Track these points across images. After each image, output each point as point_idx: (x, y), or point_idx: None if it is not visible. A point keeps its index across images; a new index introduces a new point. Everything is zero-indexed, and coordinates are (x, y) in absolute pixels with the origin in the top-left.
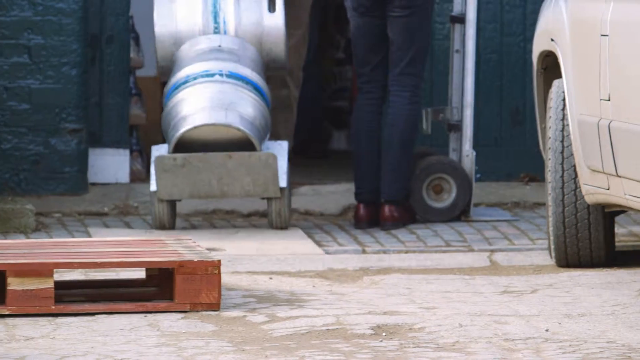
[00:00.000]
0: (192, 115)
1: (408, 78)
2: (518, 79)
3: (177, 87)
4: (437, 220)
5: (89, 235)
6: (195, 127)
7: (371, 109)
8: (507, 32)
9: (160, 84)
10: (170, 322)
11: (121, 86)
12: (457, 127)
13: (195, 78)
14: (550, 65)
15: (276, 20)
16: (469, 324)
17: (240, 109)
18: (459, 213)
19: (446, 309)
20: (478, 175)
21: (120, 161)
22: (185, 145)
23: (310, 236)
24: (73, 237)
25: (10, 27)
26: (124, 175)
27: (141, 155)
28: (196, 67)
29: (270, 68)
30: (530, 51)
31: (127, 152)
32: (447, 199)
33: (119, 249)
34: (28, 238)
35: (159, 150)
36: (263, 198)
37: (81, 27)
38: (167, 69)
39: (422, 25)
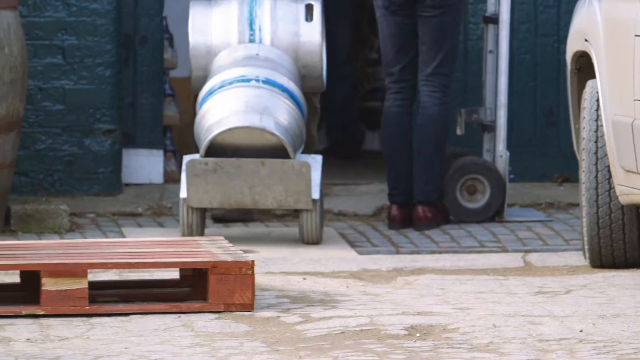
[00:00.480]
0: (226, 119)
1: (439, 78)
2: (552, 79)
3: (212, 92)
4: (471, 221)
5: (123, 236)
6: (229, 130)
7: (401, 110)
8: (541, 32)
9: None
10: (204, 322)
11: (155, 87)
12: (491, 128)
13: (231, 83)
14: (584, 66)
15: (313, 31)
16: (503, 324)
17: (275, 114)
18: (493, 214)
19: (480, 309)
20: (512, 176)
21: (154, 162)
22: (217, 152)
23: (343, 237)
24: (107, 237)
25: (44, 28)
26: (157, 176)
27: (175, 155)
28: (232, 72)
29: (305, 81)
30: (564, 52)
31: (161, 152)
32: (481, 199)
33: (153, 249)
34: (62, 238)
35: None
36: (294, 210)
37: (115, 28)
38: (201, 79)
39: (454, 25)
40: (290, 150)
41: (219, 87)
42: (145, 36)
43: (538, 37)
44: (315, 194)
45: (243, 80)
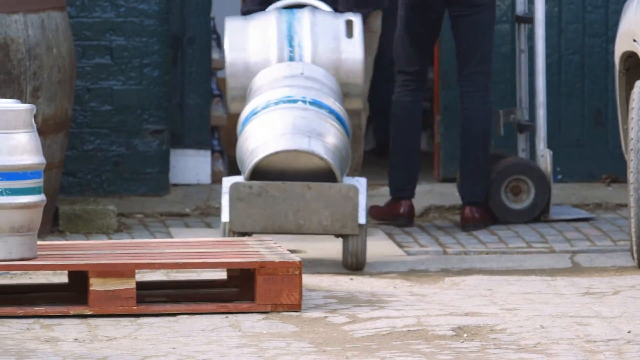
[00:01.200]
0: (272, 141)
1: (479, 77)
2: (600, 79)
3: (256, 113)
4: (518, 221)
5: (171, 236)
6: (276, 153)
7: (415, 106)
8: (589, 32)
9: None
10: (252, 322)
11: (202, 87)
12: (527, 128)
13: (276, 103)
14: (633, 66)
15: (354, 47)
16: (551, 325)
17: (323, 137)
18: (539, 213)
19: (527, 310)
20: (559, 177)
21: (202, 162)
22: (261, 175)
23: (391, 237)
24: (154, 237)
25: (92, 29)
26: (205, 176)
27: (222, 156)
28: (277, 92)
29: (346, 101)
30: (612, 52)
31: (209, 153)
32: (526, 200)
33: (200, 249)
34: (110, 239)
35: (232, 181)
36: (338, 236)
37: (163, 28)
38: (239, 99)
39: (490, 22)
40: (338, 174)
41: (263, 108)
42: (193, 37)
43: (586, 37)
44: (362, 219)
45: (289, 101)
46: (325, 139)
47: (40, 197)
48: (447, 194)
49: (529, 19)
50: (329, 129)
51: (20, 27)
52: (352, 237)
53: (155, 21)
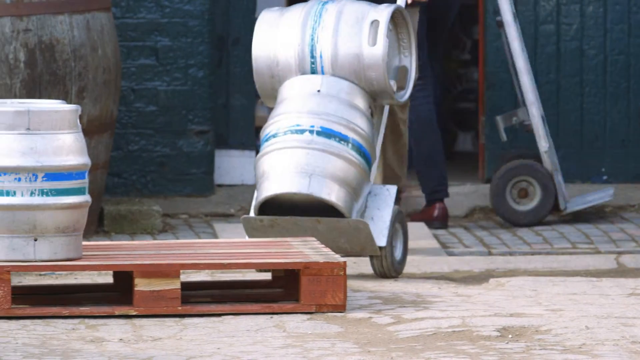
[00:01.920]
0: (275, 180)
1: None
2: None
3: (268, 139)
4: (525, 223)
5: (215, 237)
6: (276, 194)
7: (430, 107)
8: (635, 33)
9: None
10: (296, 323)
11: (247, 88)
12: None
13: (285, 133)
14: None
15: (376, 53)
16: (596, 326)
17: (328, 172)
18: (549, 211)
19: (573, 311)
20: (604, 177)
21: (246, 162)
22: (273, 205)
23: (435, 238)
24: (199, 238)
25: (137, 29)
26: (249, 177)
27: None
28: (289, 119)
29: (378, 98)
30: None
31: (253, 153)
32: (534, 200)
33: (245, 250)
34: (155, 239)
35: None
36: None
37: (208, 29)
38: (265, 94)
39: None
40: (344, 210)
41: (273, 136)
42: (237, 37)
43: (631, 37)
44: (382, 241)
45: (297, 132)
46: (330, 174)
47: (85, 198)
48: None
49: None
50: (335, 163)
51: (66, 28)
52: (376, 257)
53: (200, 22)
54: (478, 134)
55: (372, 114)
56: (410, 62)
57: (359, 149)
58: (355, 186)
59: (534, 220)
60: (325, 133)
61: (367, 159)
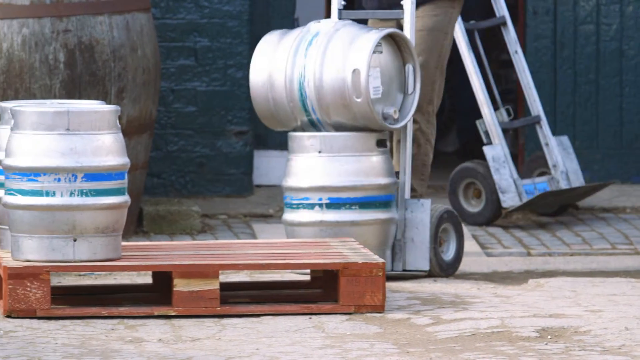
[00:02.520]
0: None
1: None
2: None
3: (286, 205)
4: (475, 223)
5: (254, 237)
6: None
7: None
8: None
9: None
10: (335, 323)
11: None
12: (536, 120)
13: (297, 207)
14: None
15: (362, 104)
16: (635, 327)
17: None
18: (492, 213)
19: (612, 312)
20: (638, 177)
21: (285, 163)
22: None
23: (475, 238)
24: (238, 238)
25: (177, 30)
26: None
27: None
28: (299, 190)
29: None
30: None
31: None
32: (481, 202)
33: (284, 250)
34: (194, 240)
35: None
36: None
37: (247, 29)
38: (264, 118)
39: None
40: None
41: (288, 205)
42: None
43: None
44: (425, 265)
45: (307, 206)
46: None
47: (124, 198)
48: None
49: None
50: (349, 231)
51: (105, 29)
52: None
53: (239, 22)
54: (517, 135)
55: (384, 142)
56: (414, 75)
57: (373, 203)
58: (381, 239)
59: (482, 220)
60: (335, 204)
61: (388, 198)
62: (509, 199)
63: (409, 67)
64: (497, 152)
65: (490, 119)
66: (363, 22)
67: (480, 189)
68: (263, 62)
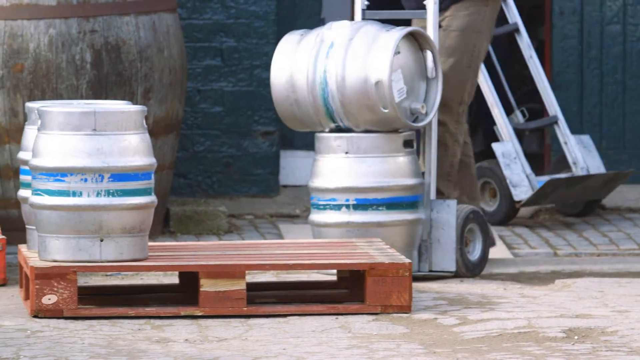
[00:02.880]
0: None
1: None
2: None
3: (313, 206)
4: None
5: (281, 237)
6: None
7: None
8: None
9: None
10: (362, 324)
11: None
12: (553, 119)
13: (324, 208)
14: None
15: (390, 114)
16: None
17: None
18: (506, 212)
19: (639, 312)
20: None
21: (311, 163)
22: None
23: (502, 239)
24: (265, 238)
25: (203, 30)
26: None
27: None
28: (326, 191)
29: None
30: None
31: None
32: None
33: (310, 250)
34: (220, 240)
35: None
36: None
37: (273, 30)
38: (288, 121)
39: None
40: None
41: (316, 207)
42: None
43: None
44: (451, 266)
45: (334, 207)
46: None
47: (151, 199)
48: None
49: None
50: (375, 232)
51: (132, 29)
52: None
53: (266, 22)
54: (544, 135)
55: (410, 142)
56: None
57: (400, 204)
58: (407, 240)
59: (498, 219)
60: (362, 205)
61: (415, 199)
62: (521, 193)
63: (428, 53)
64: (507, 148)
65: (500, 119)
66: (391, 22)
67: (495, 188)
68: (284, 63)
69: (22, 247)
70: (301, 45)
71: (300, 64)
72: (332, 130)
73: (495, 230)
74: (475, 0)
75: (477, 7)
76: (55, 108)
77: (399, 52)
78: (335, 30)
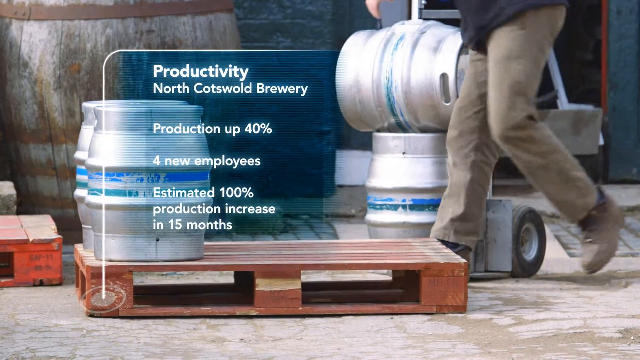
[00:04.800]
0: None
1: None
2: None
3: (369, 205)
4: None
5: (336, 237)
6: None
7: None
8: None
9: None
10: (417, 324)
11: None
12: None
13: (381, 207)
14: None
15: (450, 107)
16: None
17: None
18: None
19: None
20: None
21: (367, 163)
22: None
23: (557, 239)
24: (320, 238)
25: (259, 30)
26: None
27: None
28: (383, 191)
29: None
30: None
31: None
32: None
33: (366, 250)
34: (276, 239)
35: None
36: None
37: (329, 30)
38: (353, 122)
39: None
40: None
41: (372, 206)
42: None
43: None
44: (507, 266)
45: (390, 207)
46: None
47: (206, 198)
48: (614, 195)
49: None
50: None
51: (189, 29)
52: None
53: (322, 22)
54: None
55: None
56: None
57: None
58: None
59: None
60: (418, 206)
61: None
62: None
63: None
64: None
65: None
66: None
67: None
68: (350, 64)
69: (78, 247)
70: (366, 47)
71: (366, 62)
72: (390, 129)
73: (551, 230)
74: (510, 25)
75: (514, 33)
76: (112, 108)
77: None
78: (406, 27)
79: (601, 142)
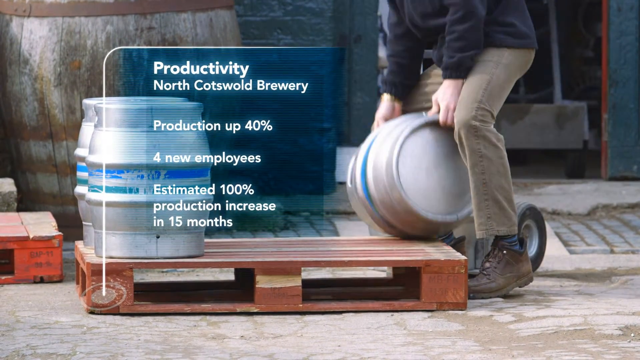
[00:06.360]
0: None
1: None
2: None
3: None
4: None
5: (337, 234)
6: None
7: None
8: None
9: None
10: (417, 321)
11: (369, 86)
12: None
13: None
14: None
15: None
16: None
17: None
18: None
19: None
20: None
21: None
22: None
23: (558, 236)
24: (321, 235)
25: (259, 27)
26: None
27: None
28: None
29: None
30: None
31: None
32: None
33: (366, 247)
34: (276, 236)
35: None
36: None
37: (330, 27)
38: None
39: None
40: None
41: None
42: (360, 35)
43: None
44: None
45: None
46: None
47: (207, 195)
48: (615, 192)
49: None
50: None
51: (189, 26)
52: None
53: (323, 20)
54: (601, 131)
55: None
56: None
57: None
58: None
59: None
60: None
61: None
62: None
63: None
64: None
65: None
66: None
67: None
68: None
69: (79, 244)
70: None
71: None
72: None
73: (551, 227)
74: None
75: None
76: (112, 105)
77: None
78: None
79: (586, 137)
